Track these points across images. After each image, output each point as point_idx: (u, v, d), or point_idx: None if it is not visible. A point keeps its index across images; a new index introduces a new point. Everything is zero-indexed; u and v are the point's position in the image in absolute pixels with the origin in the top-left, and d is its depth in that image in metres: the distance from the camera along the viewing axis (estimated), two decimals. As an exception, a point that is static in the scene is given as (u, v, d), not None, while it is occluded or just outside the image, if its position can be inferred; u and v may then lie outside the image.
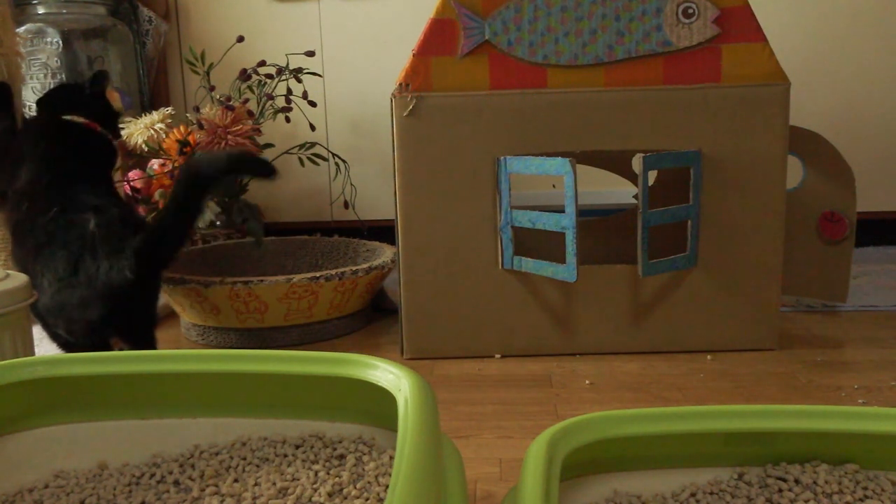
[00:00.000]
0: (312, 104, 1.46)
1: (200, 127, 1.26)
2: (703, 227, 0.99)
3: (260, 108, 1.40)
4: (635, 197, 1.01)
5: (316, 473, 0.55)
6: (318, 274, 1.06)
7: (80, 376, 0.57)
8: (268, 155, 1.39)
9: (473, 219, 0.99)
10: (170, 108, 1.34)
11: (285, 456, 0.58)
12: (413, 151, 0.98)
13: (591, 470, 0.53)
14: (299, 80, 1.43)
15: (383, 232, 1.50)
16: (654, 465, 0.54)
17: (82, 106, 1.04)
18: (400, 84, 0.97)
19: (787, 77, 0.96)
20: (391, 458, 0.56)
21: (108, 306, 0.87)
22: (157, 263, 0.92)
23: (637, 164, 0.98)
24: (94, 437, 0.59)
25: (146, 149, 1.28)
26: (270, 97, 1.40)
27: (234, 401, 0.60)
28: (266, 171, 0.95)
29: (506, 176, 0.97)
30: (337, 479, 0.54)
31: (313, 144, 1.45)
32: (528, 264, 0.98)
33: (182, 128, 1.28)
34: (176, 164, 1.26)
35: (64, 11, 1.48)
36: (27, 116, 1.19)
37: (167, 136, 1.29)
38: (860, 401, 0.85)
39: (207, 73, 1.43)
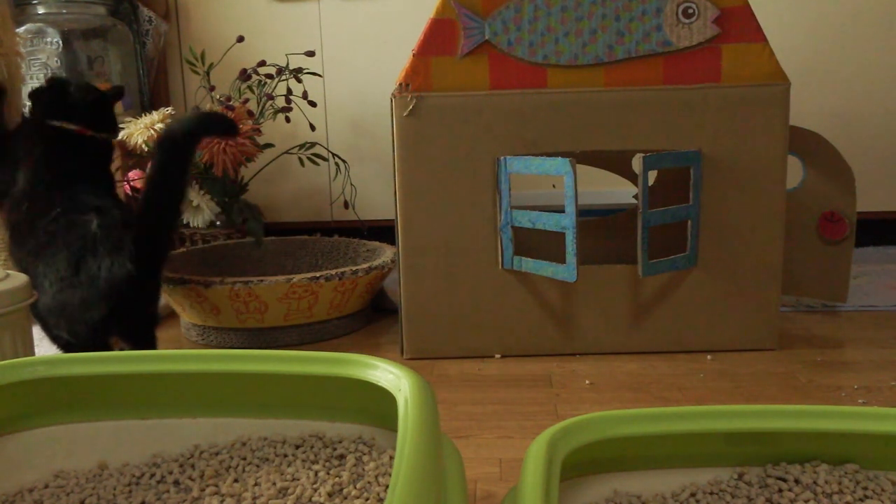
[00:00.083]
0: (312, 104, 1.46)
1: (200, 127, 1.25)
2: (703, 227, 0.99)
3: (260, 108, 1.40)
4: (635, 197, 1.01)
5: (316, 473, 0.55)
6: (318, 274, 1.06)
7: (80, 376, 0.57)
8: (268, 155, 1.40)
9: (473, 219, 0.99)
10: (170, 108, 1.34)
11: (285, 456, 0.58)
12: (413, 151, 0.98)
13: (591, 470, 0.53)
14: (299, 80, 1.43)
15: (383, 232, 1.50)
16: (654, 465, 0.54)
17: (70, 109, 1.01)
18: (400, 84, 0.97)
19: (787, 77, 0.96)
20: (391, 458, 0.56)
21: (109, 305, 0.87)
22: (156, 248, 0.92)
23: (637, 164, 0.98)
24: (94, 437, 0.59)
25: (146, 149, 1.28)
26: (270, 97, 1.40)
27: (234, 401, 0.60)
28: (230, 128, 1.02)
29: (506, 176, 0.97)
30: (337, 479, 0.54)
31: (313, 144, 1.45)
32: (528, 264, 0.98)
33: (182, 128, 1.28)
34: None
35: (64, 11, 1.47)
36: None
37: (167, 136, 1.28)
38: (860, 401, 0.85)
39: (207, 73, 1.43)
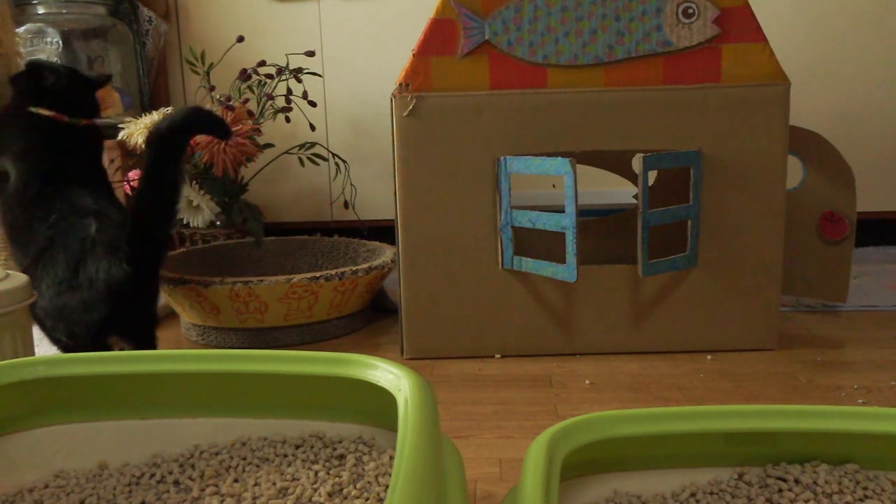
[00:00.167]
0: (312, 104, 1.46)
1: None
2: (703, 227, 0.99)
3: (260, 108, 1.40)
4: (635, 197, 1.01)
5: (316, 473, 0.55)
6: (318, 274, 1.06)
7: (80, 376, 0.57)
8: (268, 155, 1.40)
9: (473, 219, 0.99)
10: (170, 108, 1.34)
11: (285, 456, 0.58)
12: (413, 151, 0.98)
13: (591, 470, 0.53)
14: (299, 80, 1.43)
15: (383, 232, 1.50)
16: (654, 465, 0.54)
17: (45, 95, 0.98)
18: (400, 84, 0.97)
19: (787, 77, 0.96)
20: (391, 458, 0.56)
21: (109, 307, 0.87)
22: (152, 247, 0.92)
23: (637, 164, 0.98)
24: (94, 437, 0.59)
25: (145, 149, 1.28)
26: (270, 97, 1.40)
27: (234, 401, 0.60)
28: (221, 130, 1.00)
29: (506, 176, 0.97)
30: (337, 479, 0.54)
31: (313, 144, 1.45)
32: (528, 264, 0.98)
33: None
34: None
35: (64, 11, 1.48)
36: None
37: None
38: (860, 401, 0.85)
39: (207, 73, 1.43)
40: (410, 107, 0.97)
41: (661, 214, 0.96)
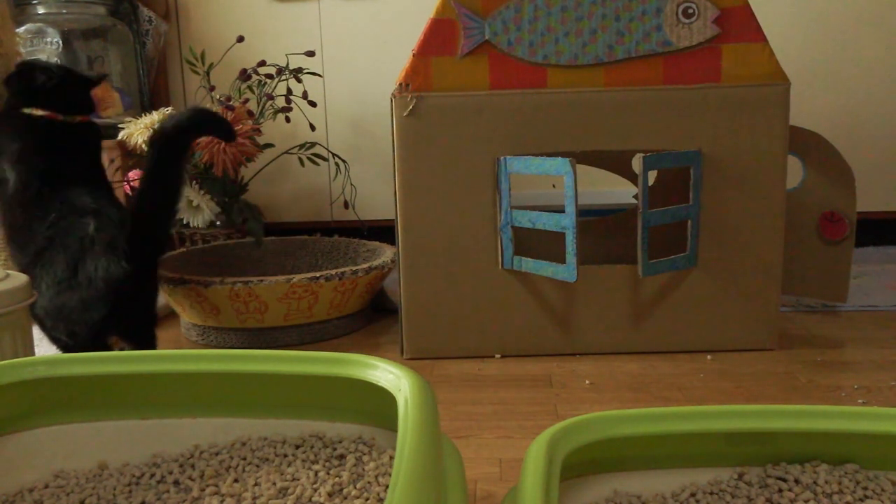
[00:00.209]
0: (312, 104, 1.46)
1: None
2: (703, 227, 0.99)
3: (260, 108, 1.40)
4: (635, 197, 1.01)
5: (316, 473, 0.55)
6: (318, 274, 1.06)
7: (80, 376, 0.57)
8: (268, 155, 1.40)
9: (473, 219, 0.99)
10: (170, 108, 1.34)
11: (285, 456, 0.58)
12: (413, 151, 0.98)
13: (591, 470, 0.53)
14: (299, 80, 1.43)
15: (383, 232, 1.50)
16: (654, 465, 0.54)
17: (37, 95, 0.97)
18: (400, 84, 0.97)
19: (787, 77, 0.96)
20: (391, 458, 0.56)
21: (108, 305, 0.87)
22: (151, 246, 0.92)
23: (637, 164, 0.98)
24: (94, 437, 0.59)
25: (146, 149, 1.28)
26: (270, 97, 1.40)
27: (234, 401, 0.60)
28: (226, 132, 0.99)
29: (506, 176, 0.97)
30: (337, 479, 0.54)
31: (313, 144, 1.45)
32: (528, 264, 0.98)
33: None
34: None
35: (64, 11, 1.48)
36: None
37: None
38: (860, 401, 0.85)
39: (207, 73, 1.43)
40: (410, 107, 0.97)
41: (661, 214, 0.96)
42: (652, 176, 1.16)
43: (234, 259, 1.32)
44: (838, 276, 1.15)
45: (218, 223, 1.40)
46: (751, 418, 0.52)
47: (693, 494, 0.53)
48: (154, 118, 1.30)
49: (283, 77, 1.42)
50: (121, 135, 1.30)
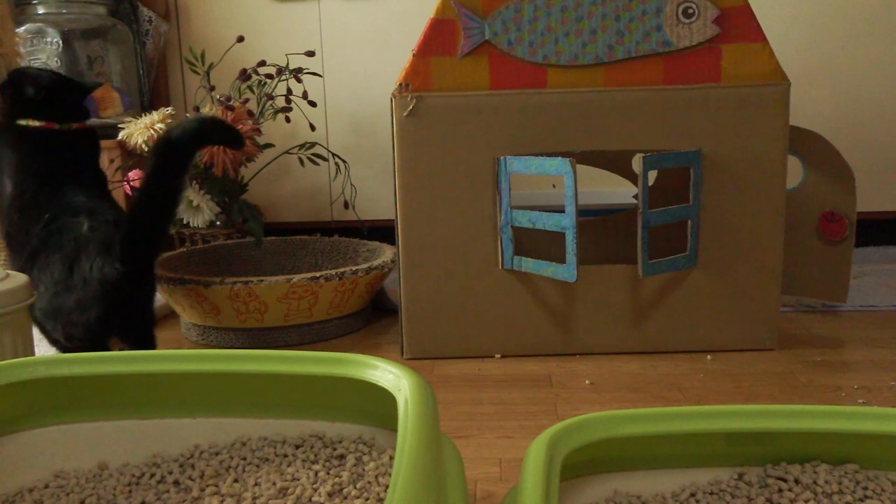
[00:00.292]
0: (312, 104, 1.46)
1: (200, 127, 1.25)
2: (703, 227, 0.99)
3: (260, 108, 1.40)
4: (635, 197, 1.01)
5: (316, 473, 0.55)
6: (318, 274, 1.06)
7: (80, 376, 0.57)
8: (268, 155, 1.40)
9: (473, 219, 0.99)
10: (170, 108, 1.34)
11: (285, 456, 0.58)
12: (413, 151, 0.98)
13: (591, 470, 0.53)
14: (299, 80, 1.43)
15: (383, 232, 1.50)
16: (654, 465, 0.54)
17: (30, 105, 0.97)
18: (400, 84, 0.97)
19: (787, 77, 0.96)
20: (391, 458, 0.56)
21: (104, 305, 0.87)
22: (145, 248, 0.91)
23: (637, 164, 0.98)
24: (94, 437, 0.59)
25: (146, 149, 1.28)
26: (270, 97, 1.40)
27: (234, 401, 0.60)
28: (235, 140, 0.97)
29: (506, 176, 0.97)
30: (337, 479, 0.54)
31: (313, 144, 1.45)
32: (528, 264, 0.98)
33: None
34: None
35: (64, 11, 1.48)
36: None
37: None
38: (860, 401, 0.85)
39: (207, 73, 1.43)
40: (410, 107, 0.97)
41: (661, 214, 0.96)
42: (652, 176, 1.15)
43: (234, 259, 1.32)
44: (838, 276, 1.15)
45: (218, 223, 1.40)
46: (751, 418, 0.52)
47: (693, 494, 0.53)
48: (154, 118, 1.30)
49: (283, 77, 1.42)
50: (121, 135, 1.30)
